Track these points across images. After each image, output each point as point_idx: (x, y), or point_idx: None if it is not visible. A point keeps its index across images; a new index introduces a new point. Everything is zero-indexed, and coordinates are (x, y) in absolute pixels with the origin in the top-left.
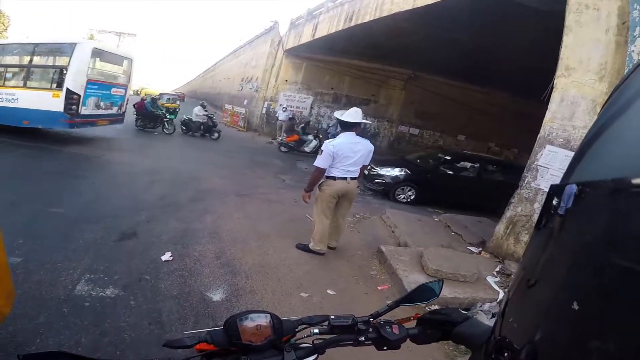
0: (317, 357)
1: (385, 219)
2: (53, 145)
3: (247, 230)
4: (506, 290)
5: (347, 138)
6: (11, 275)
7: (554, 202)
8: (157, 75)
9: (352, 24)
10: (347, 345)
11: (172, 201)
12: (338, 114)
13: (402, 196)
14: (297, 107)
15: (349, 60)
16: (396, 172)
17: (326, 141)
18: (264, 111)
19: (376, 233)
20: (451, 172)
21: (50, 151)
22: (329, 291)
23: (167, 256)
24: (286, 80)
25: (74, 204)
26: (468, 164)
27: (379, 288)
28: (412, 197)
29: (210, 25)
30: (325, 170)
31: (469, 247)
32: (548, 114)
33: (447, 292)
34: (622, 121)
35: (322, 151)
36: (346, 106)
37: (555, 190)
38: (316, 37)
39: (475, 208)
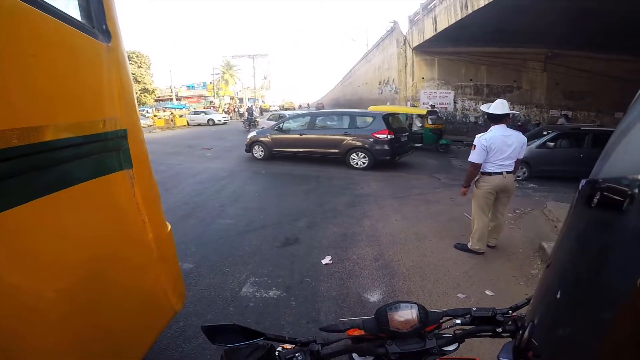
0: (458, 346)
1: (547, 213)
2: None
3: (404, 232)
4: None
5: (498, 131)
6: (183, 278)
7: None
8: (296, 89)
9: (469, 11)
10: (486, 336)
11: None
12: (484, 107)
13: None
14: (440, 103)
15: (480, 49)
16: None
17: (477, 135)
18: None
19: (538, 229)
20: None
21: None
22: (487, 292)
23: (327, 259)
24: (422, 78)
25: None
26: None
27: None
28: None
29: (331, 34)
30: (480, 165)
31: None
32: None
33: None
34: None
35: (474, 146)
36: (489, 97)
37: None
38: (438, 30)
39: None
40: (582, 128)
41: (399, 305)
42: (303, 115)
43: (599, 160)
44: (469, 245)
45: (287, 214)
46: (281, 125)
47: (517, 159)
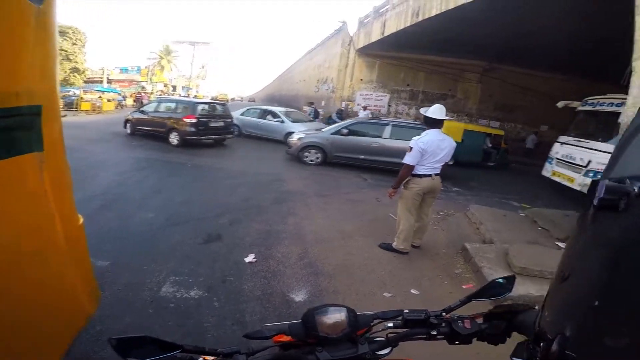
0: (391, 350)
1: (469, 216)
2: None
3: (330, 230)
4: None
5: (434, 135)
6: (96, 276)
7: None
8: (233, 81)
9: (420, 19)
10: (420, 339)
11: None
12: (423, 110)
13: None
14: (374, 106)
15: (422, 56)
16: None
17: (414, 138)
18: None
19: (461, 230)
20: None
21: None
22: (412, 291)
23: (250, 258)
24: (361, 79)
25: None
26: None
27: (463, 287)
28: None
29: (280, 29)
30: (413, 167)
31: (557, 243)
32: (629, 100)
33: (533, 290)
34: None
35: (411, 148)
36: (423, 102)
37: (597, 187)
38: (385, 34)
39: None
40: (381, 119)
41: (327, 308)
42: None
43: (610, 162)
44: (394, 244)
45: (211, 209)
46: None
47: (445, 162)
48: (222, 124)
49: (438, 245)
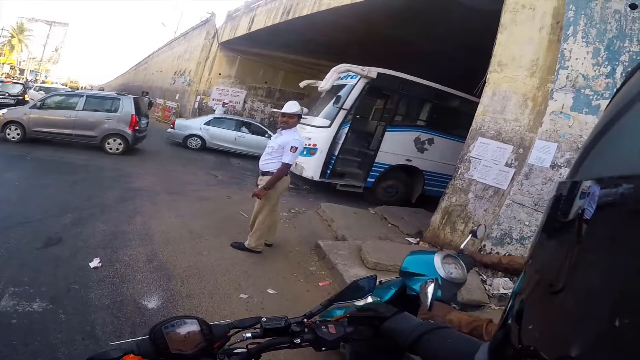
0: None
1: (321, 213)
2: None
3: (179, 230)
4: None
5: (299, 132)
6: None
7: (578, 203)
8: (90, 68)
9: (290, 17)
10: (284, 348)
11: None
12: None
13: None
14: (230, 101)
15: (284, 55)
16: None
17: (293, 137)
18: (196, 106)
19: (313, 228)
20: None
21: None
22: (269, 290)
23: (95, 262)
24: (220, 74)
25: None
26: None
27: (320, 284)
28: None
29: (147, 16)
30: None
31: (406, 238)
32: (480, 107)
33: None
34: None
35: (295, 148)
36: (279, 100)
37: (570, 189)
38: (252, 30)
39: None
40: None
41: (176, 322)
42: None
43: (575, 164)
44: (246, 243)
45: (49, 209)
46: None
47: None
48: None
49: (291, 243)
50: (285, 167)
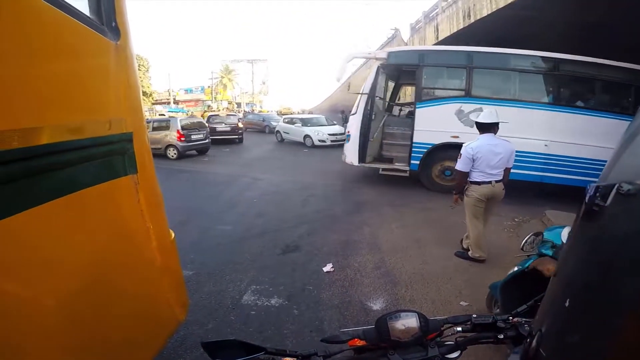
0: (460, 353)
1: (545, 222)
2: None
3: (405, 239)
4: None
5: (485, 140)
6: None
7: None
8: (293, 95)
9: (472, 20)
10: (488, 343)
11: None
12: (473, 117)
13: None
14: None
15: None
16: None
17: (464, 144)
18: None
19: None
20: None
21: None
22: None
23: (328, 267)
24: None
25: None
26: None
27: None
28: None
29: (333, 40)
30: (467, 173)
31: None
32: None
33: None
34: None
35: (461, 155)
36: None
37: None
38: (440, 38)
39: None
40: None
41: (399, 314)
42: None
43: (607, 166)
44: (470, 253)
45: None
46: None
47: (507, 168)
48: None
49: (515, 253)
50: (457, 173)
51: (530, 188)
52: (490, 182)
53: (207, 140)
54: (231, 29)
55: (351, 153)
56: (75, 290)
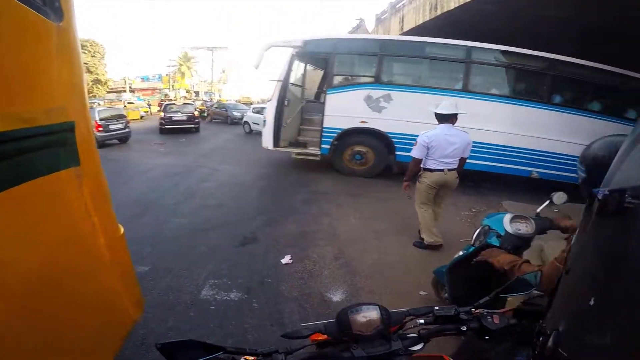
0: (423, 345)
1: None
2: None
3: (364, 230)
4: None
5: (442, 130)
6: (139, 283)
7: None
8: (255, 84)
9: (438, 12)
10: (451, 335)
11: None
12: (432, 108)
13: None
14: None
15: None
16: None
17: (421, 132)
18: None
19: None
20: None
21: None
22: None
23: (287, 259)
24: None
25: None
26: None
27: None
28: None
29: (297, 29)
30: (420, 160)
31: None
32: None
33: None
34: None
35: (416, 142)
36: None
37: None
38: (404, 30)
39: None
40: None
41: (360, 307)
42: None
43: (612, 168)
44: (425, 240)
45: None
46: None
47: (462, 158)
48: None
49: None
50: (411, 160)
51: (488, 179)
52: (442, 170)
53: (126, 130)
54: (193, 16)
55: (266, 137)
56: (11, 294)
